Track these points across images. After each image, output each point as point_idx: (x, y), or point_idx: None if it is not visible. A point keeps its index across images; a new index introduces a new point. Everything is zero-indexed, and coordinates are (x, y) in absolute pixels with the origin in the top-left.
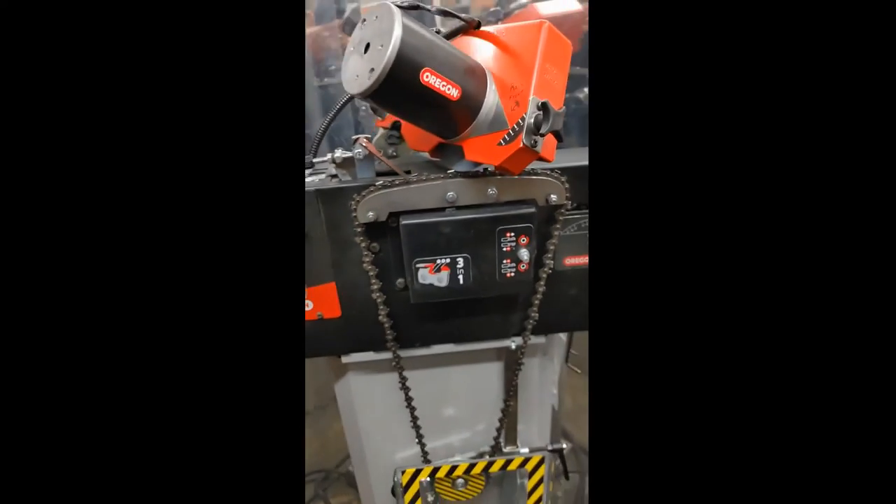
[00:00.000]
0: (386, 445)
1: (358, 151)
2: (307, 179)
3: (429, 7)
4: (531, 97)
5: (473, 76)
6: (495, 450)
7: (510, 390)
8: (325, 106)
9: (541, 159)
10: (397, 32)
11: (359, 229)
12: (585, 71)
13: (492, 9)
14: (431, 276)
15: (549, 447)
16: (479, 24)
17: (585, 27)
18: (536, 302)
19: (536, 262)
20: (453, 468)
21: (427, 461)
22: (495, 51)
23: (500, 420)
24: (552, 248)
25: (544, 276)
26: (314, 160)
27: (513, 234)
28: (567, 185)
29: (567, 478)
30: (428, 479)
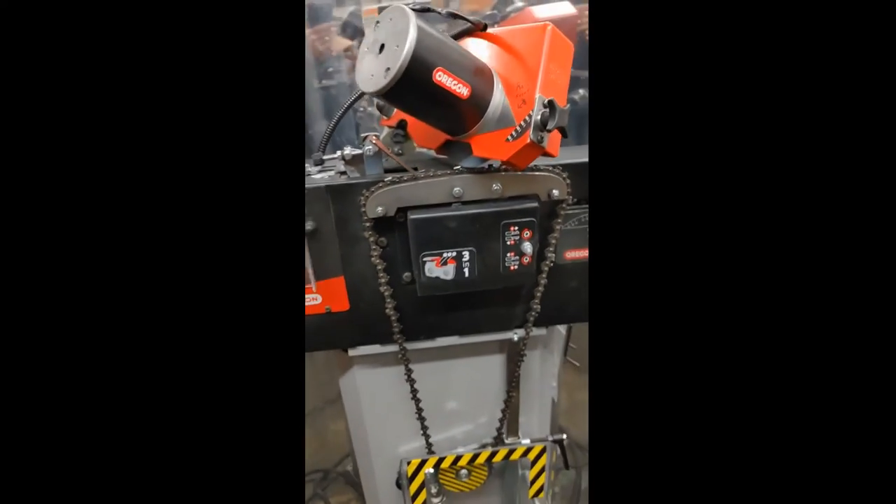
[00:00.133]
0: (390, 439)
1: (368, 148)
2: (317, 176)
3: (439, 10)
4: (537, 95)
5: (482, 76)
6: (498, 441)
7: (512, 382)
8: (325, 107)
9: (546, 154)
10: (412, 33)
11: (367, 224)
12: (580, 73)
13: (488, 12)
14: (438, 269)
15: (551, 438)
16: (485, 27)
17: (580, 30)
18: (538, 294)
19: (539, 255)
20: (458, 458)
21: (431, 452)
22: (501, 52)
23: (503, 411)
24: (554, 241)
25: (546, 269)
26: (323, 157)
27: (516, 227)
28: (568, 181)
29: (567, 467)
30: (432, 469)
